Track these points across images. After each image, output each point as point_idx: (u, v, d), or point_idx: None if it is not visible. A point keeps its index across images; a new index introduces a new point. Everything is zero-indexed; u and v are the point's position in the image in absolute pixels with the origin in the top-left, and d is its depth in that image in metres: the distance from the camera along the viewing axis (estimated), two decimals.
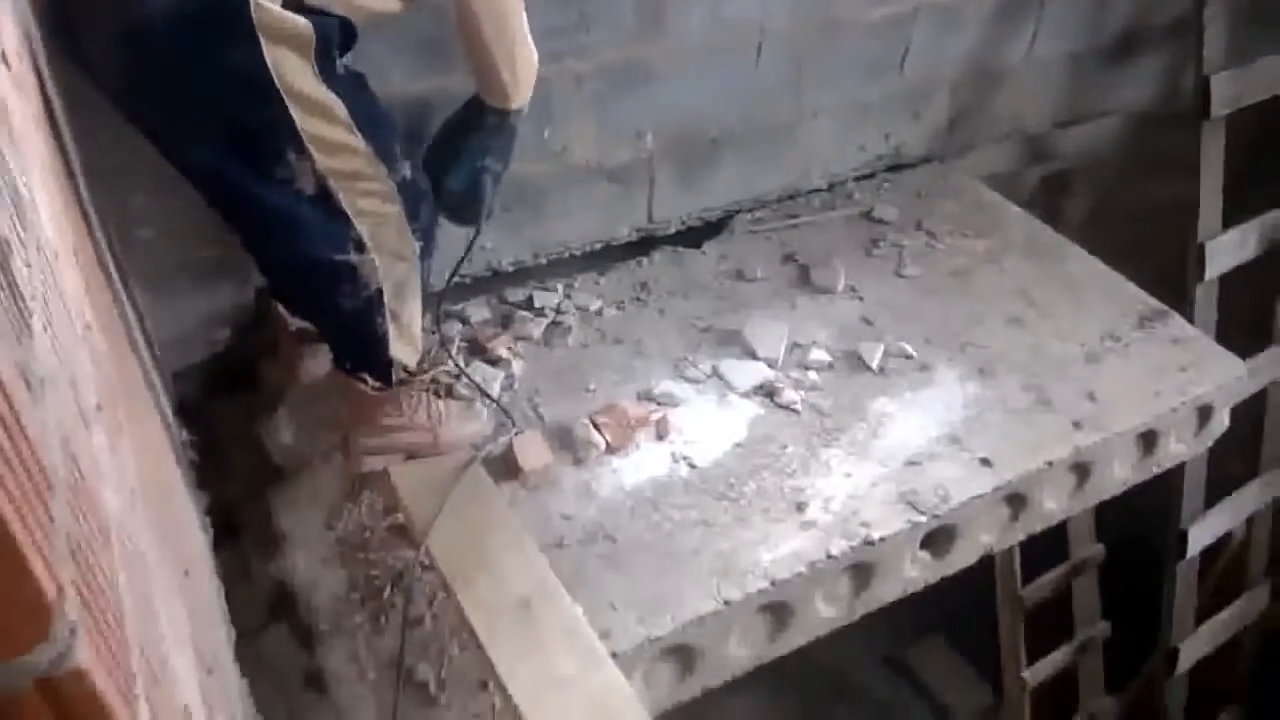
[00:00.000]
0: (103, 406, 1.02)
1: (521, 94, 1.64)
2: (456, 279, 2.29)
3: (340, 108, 1.40)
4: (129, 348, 1.46)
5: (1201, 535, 2.81)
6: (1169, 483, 2.70)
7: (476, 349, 2.17)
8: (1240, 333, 2.63)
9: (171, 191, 1.96)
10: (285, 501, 1.83)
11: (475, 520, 1.73)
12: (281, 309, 1.93)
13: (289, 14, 1.32)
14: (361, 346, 1.69)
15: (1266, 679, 3.31)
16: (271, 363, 2.16)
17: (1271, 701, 3.33)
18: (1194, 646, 2.96)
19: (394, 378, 1.73)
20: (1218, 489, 2.88)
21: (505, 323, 2.24)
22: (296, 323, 1.93)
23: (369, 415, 1.79)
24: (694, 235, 2.53)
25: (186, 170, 1.53)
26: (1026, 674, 3.07)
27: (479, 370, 2.12)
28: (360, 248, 1.52)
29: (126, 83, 1.43)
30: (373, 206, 1.51)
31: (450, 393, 1.96)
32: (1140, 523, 2.88)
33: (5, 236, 0.73)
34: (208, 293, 2.12)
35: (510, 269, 2.32)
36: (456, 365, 2.03)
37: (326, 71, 1.37)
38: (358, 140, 1.44)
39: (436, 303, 1.98)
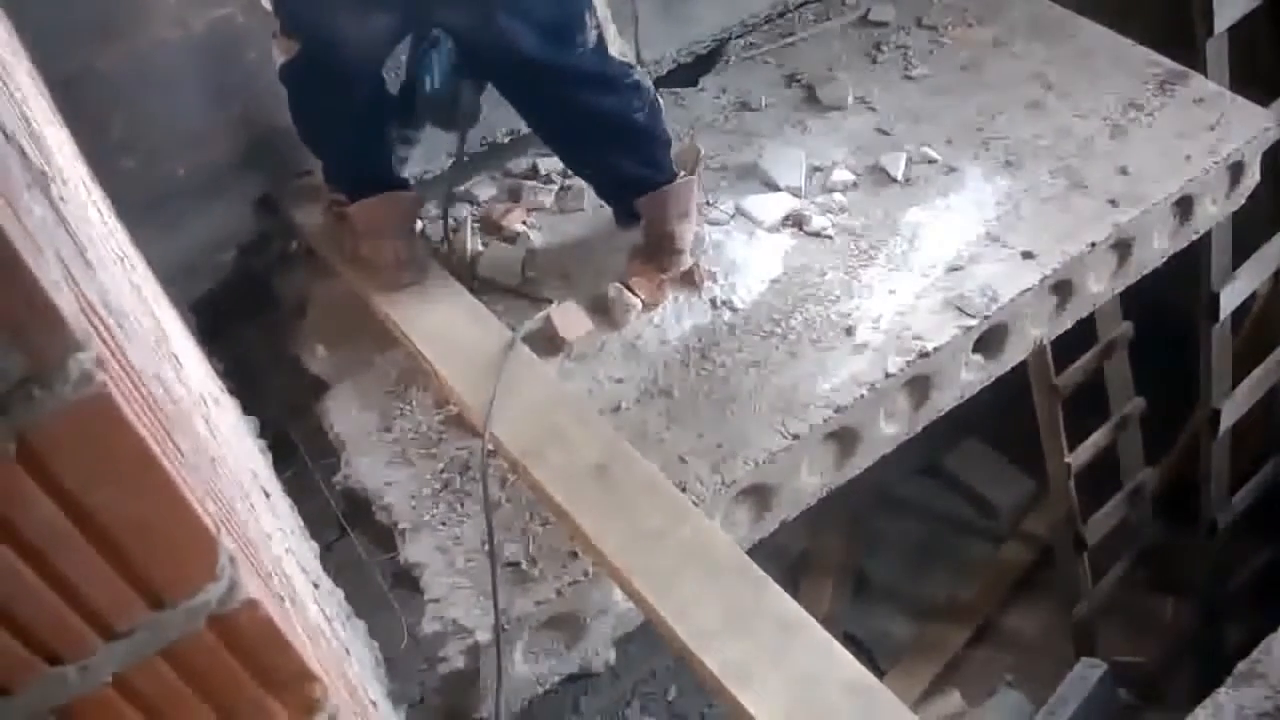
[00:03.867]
0: (159, 340, 0.97)
1: None
2: (454, 158, 2.21)
3: None
4: (154, 280, 1.40)
5: (1233, 296, 2.80)
6: (1191, 249, 2.67)
7: (491, 227, 2.09)
8: (1242, 81, 2.54)
9: (146, 112, 1.87)
10: (336, 411, 1.80)
11: (531, 398, 1.71)
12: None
13: None
14: (656, 147, 1.90)
15: None
16: (286, 276, 2.09)
17: None
18: (1234, 406, 3.00)
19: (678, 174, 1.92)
20: (1238, 248, 2.86)
21: (515, 195, 2.16)
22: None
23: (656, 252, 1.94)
24: (689, 73, 2.42)
25: (506, 70, 1.77)
26: (1069, 458, 3.12)
27: (495, 248, 2.06)
28: (632, 66, 1.83)
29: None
30: (612, 34, 1.81)
31: None
32: (1164, 295, 2.88)
33: (41, 168, 0.67)
34: (203, 216, 2.03)
35: (507, 140, 2.22)
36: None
37: None
38: None
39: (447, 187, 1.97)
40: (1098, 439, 3.15)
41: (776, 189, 2.11)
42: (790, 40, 2.45)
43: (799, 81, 2.34)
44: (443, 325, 1.83)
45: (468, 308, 1.88)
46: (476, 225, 2.09)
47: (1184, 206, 2.15)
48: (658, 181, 1.89)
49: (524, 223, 2.11)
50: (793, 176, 2.11)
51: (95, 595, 0.50)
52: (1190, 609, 3.50)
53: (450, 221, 2.03)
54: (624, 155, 1.87)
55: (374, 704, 1.11)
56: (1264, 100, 2.40)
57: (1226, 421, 3.00)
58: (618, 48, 1.81)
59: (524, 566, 1.58)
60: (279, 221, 2.10)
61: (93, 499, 0.47)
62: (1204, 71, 2.49)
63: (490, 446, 1.65)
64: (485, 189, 2.18)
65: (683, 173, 1.93)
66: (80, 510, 0.47)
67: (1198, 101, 2.25)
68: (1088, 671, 2.94)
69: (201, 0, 1.83)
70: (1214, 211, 2.24)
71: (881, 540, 3.90)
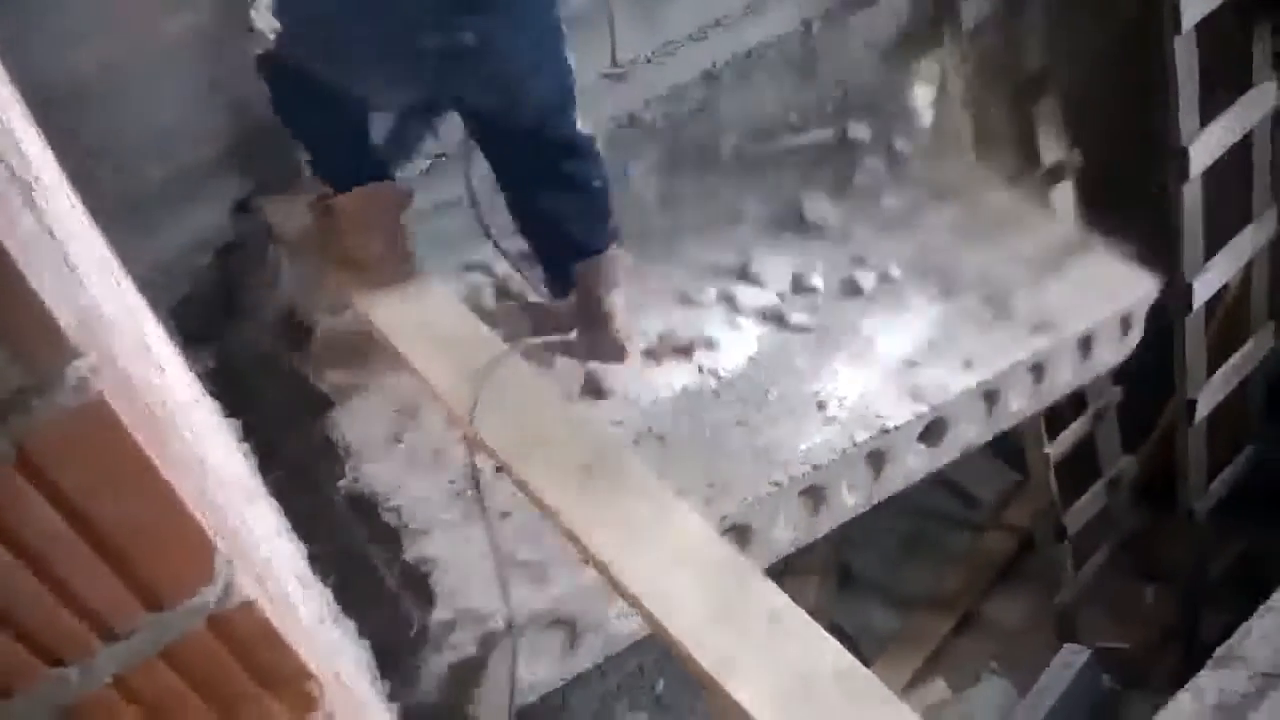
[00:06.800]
0: (144, 346, 0.97)
1: None
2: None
3: None
4: (133, 285, 1.40)
5: (1205, 287, 2.84)
6: (1164, 241, 2.71)
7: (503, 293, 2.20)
8: (1218, 83, 2.58)
9: (118, 118, 1.86)
10: (347, 421, 1.84)
11: (516, 399, 1.70)
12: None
13: None
14: (603, 216, 2.01)
15: (1275, 417, 3.43)
16: (264, 278, 2.10)
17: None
18: (1209, 395, 3.04)
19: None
20: (1209, 240, 2.90)
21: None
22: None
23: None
24: None
25: (505, 140, 1.88)
26: (1049, 448, 3.16)
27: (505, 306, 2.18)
28: (592, 137, 1.94)
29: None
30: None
31: None
32: None
33: (27, 179, 0.67)
34: (179, 220, 2.03)
35: None
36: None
37: None
38: None
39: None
40: (1076, 429, 3.20)
41: (759, 286, 2.33)
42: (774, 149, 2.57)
43: (781, 194, 2.53)
44: (427, 324, 1.84)
45: (453, 309, 1.88)
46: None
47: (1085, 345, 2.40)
48: (596, 249, 2.01)
49: None
50: (772, 278, 2.34)
51: (95, 598, 0.51)
52: (1171, 595, 3.55)
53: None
54: (576, 219, 1.99)
55: (366, 703, 1.12)
56: (1231, 97, 2.44)
57: (1202, 410, 3.04)
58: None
59: (531, 567, 1.61)
60: (256, 224, 2.09)
61: (91, 504, 0.47)
62: (1173, 69, 2.53)
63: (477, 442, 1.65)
64: (499, 261, 2.25)
65: (614, 245, 2.04)
66: (79, 515, 0.47)
67: (1101, 264, 2.48)
68: (1071, 658, 2.98)
69: (172, 6, 1.83)
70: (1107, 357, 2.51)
71: (865, 533, 3.92)
